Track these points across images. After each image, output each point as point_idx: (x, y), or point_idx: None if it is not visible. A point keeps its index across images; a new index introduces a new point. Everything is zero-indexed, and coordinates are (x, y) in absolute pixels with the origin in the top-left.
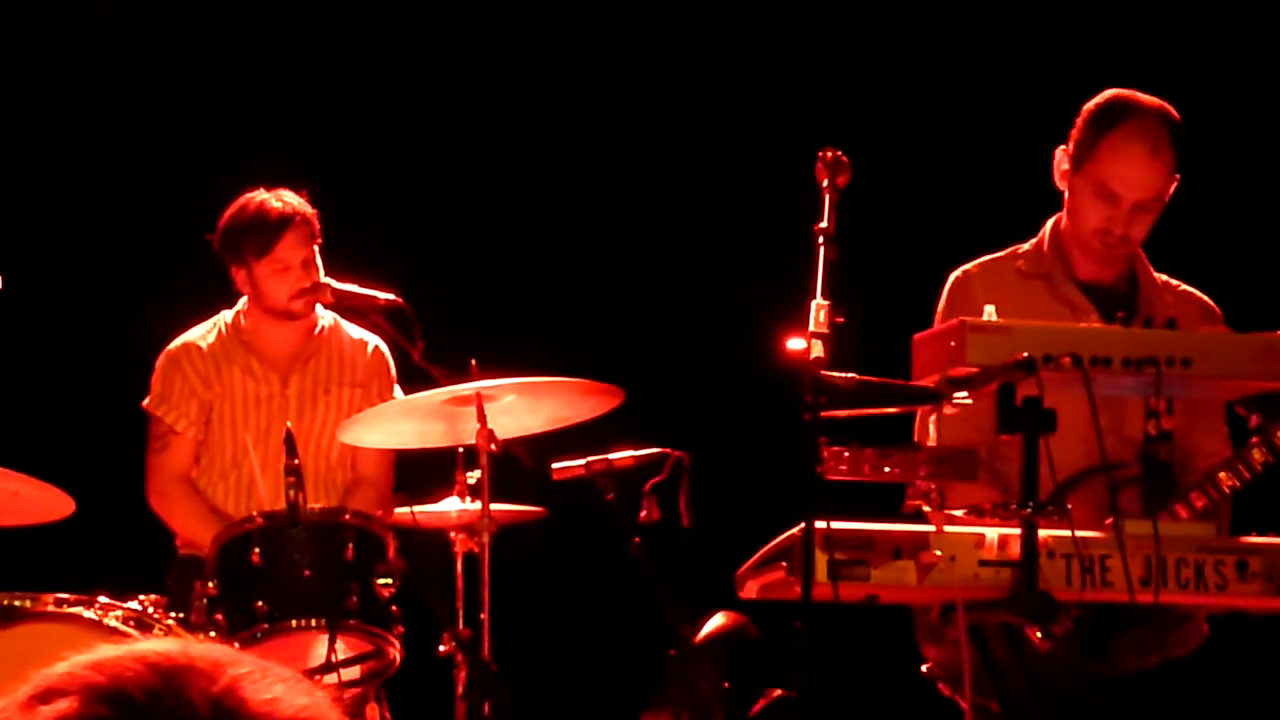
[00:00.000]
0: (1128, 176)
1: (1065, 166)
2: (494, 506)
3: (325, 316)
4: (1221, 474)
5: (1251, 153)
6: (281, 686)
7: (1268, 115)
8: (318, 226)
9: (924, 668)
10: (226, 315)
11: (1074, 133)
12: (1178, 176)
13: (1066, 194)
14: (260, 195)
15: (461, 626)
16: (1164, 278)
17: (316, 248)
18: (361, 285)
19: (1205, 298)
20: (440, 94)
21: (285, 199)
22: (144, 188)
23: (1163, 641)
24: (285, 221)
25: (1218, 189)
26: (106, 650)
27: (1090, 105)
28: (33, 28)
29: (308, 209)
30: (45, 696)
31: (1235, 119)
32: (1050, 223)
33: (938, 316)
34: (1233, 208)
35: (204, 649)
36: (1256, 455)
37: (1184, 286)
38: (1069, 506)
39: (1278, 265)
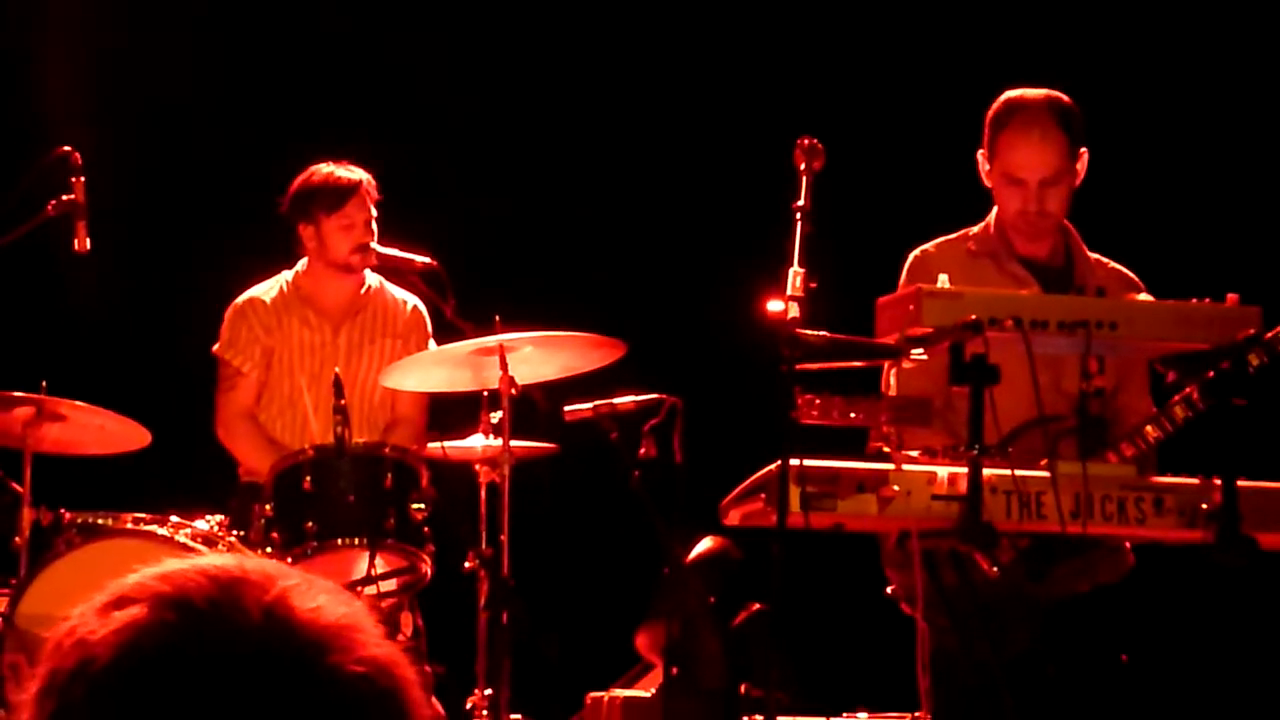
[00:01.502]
0: (1025, 162)
1: (986, 167)
2: (513, 443)
3: (371, 277)
4: (1148, 427)
5: (1179, 146)
6: (325, 597)
7: (1188, 109)
8: (377, 196)
9: (888, 589)
10: (287, 275)
11: (984, 134)
12: (1084, 152)
13: (992, 188)
14: (330, 166)
15: (484, 547)
16: (1096, 256)
17: (374, 213)
18: (403, 251)
19: (1129, 272)
20: (466, 88)
21: (353, 169)
22: (218, 170)
23: (1094, 569)
24: (355, 185)
25: (1147, 180)
26: (172, 563)
27: (990, 110)
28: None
29: (371, 180)
30: (119, 603)
31: (1160, 113)
32: (994, 209)
33: (900, 288)
34: (1158, 194)
35: (258, 564)
36: (1179, 411)
37: (1113, 264)
38: (1011, 451)
39: (1194, 243)
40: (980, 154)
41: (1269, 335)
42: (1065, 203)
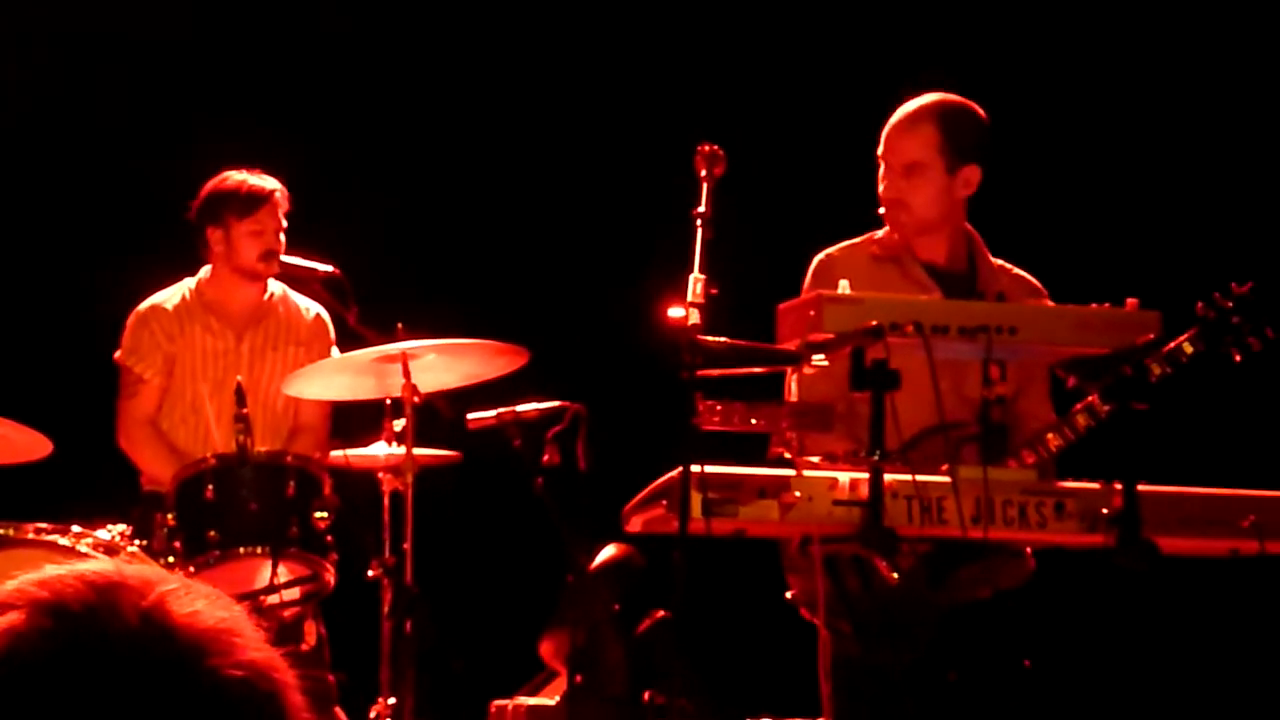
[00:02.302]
0: (889, 146)
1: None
2: (417, 451)
3: (275, 285)
4: (1049, 434)
5: (1080, 152)
6: (204, 601)
7: (1089, 115)
8: (288, 206)
9: (788, 594)
10: (190, 281)
11: None
12: (972, 168)
13: None
14: (244, 173)
15: (388, 555)
16: (1000, 261)
17: (284, 222)
18: (306, 259)
19: (1032, 278)
20: (368, 95)
21: (266, 177)
22: (119, 173)
23: (995, 575)
24: (269, 194)
25: (1048, 185)
26: (50, 569)
27: None
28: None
29: (283, 189)
30: None
31: (1063, 119)
32: None
33: (804, 291)
34: (1059, 200)
35: (137, 569)
36: (1080, 420)
37: (1016, 270)
38: (913, 456)
39: (1094, 249)
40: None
41: (1170, 346)
42: (932, 205)
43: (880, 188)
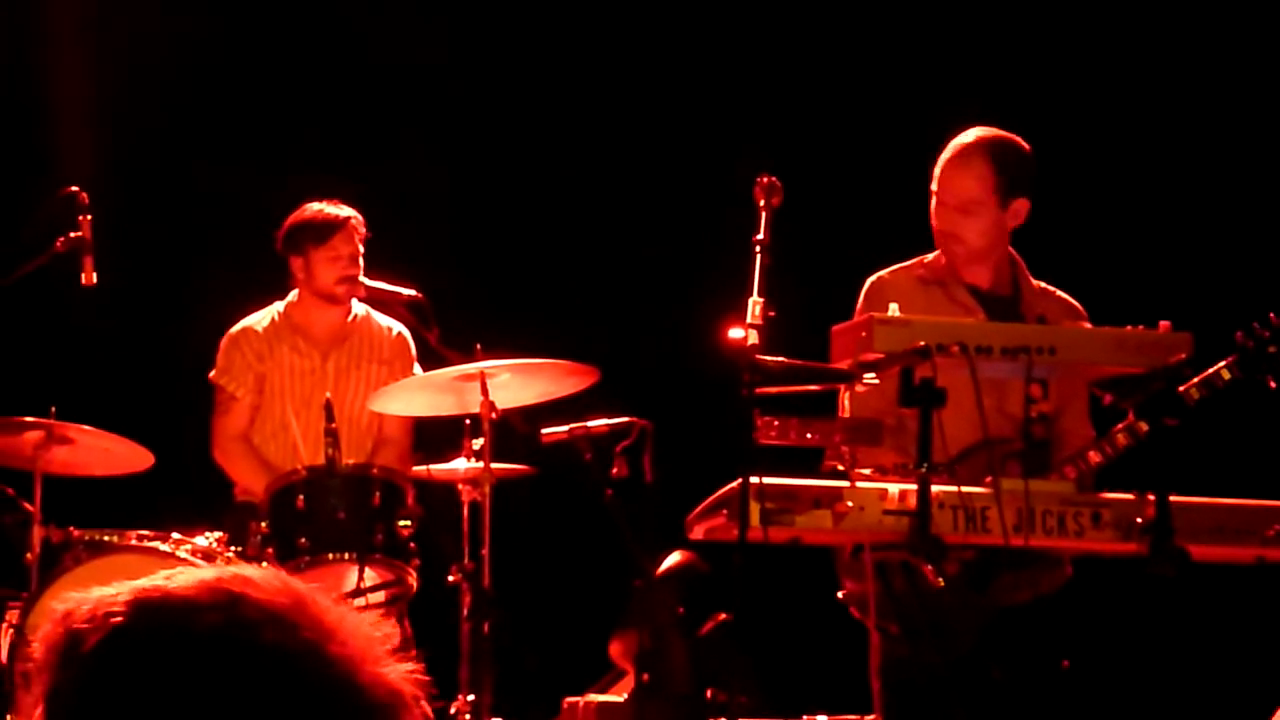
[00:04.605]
0: (946, 184)
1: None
2: (494, 464)
3: (359, 307)
4: (1091, 452)
5: (1118, 184)
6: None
7: (1127, 145)
8: (364, 233)
9: (840, 594)
10: (279, 305)
11: None
12: (1023, 201)
13: None
14: (320, 204)
15: (467, 561)
16: (1042, 285)
17: (361, 248)
18: (390, 283)
19: (1072, 300)
20: (450, 128)
21: (341, 206)
22: (215, 207)
23: (1035, 581)
24: (342, 221)
25: (1093, 212)
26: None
27: None
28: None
29: (359, 217)
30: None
31: (1100, 150)
32: None
33: (857, 312)
34: (1103, 226)
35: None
36: (1121, 439)
37: (1058, 293)
38: (959, 470)
39: (1130, 273)
40: None
41: (1208, 372)
42: (984, 237)
43: (934, 220)
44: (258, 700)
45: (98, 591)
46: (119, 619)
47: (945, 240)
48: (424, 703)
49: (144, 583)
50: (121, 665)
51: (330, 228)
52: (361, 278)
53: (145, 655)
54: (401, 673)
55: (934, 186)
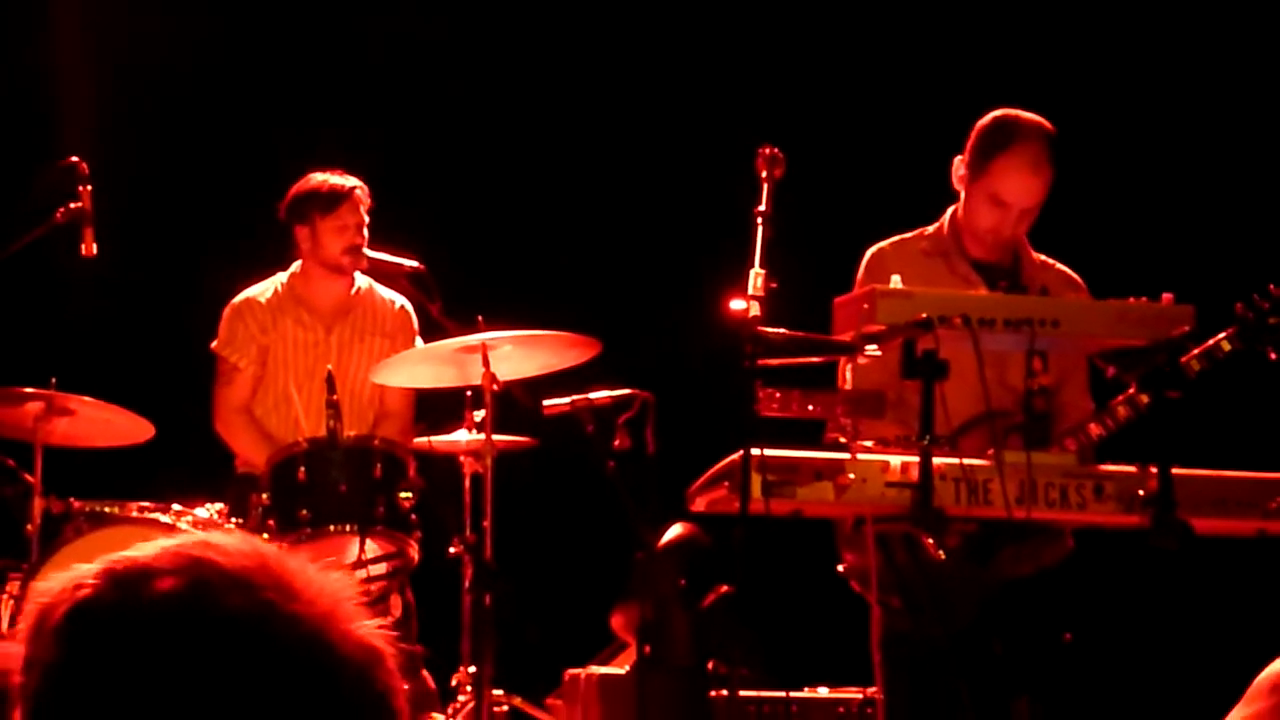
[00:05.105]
0: (1016, 189)
1: (962, 173)
2: (495, 436)
3: (361, 279)
4: (1091, 424)
5: (1125, 157)
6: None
7: (1145, 125)
8: (369, 203)
9: (840, 567)
10: (282, 276)
11: (969, 146)
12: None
13: (963, 195)
14: (325, 173)
15: (468, 533)
16: (1042, 257)
17: (366, 218)
18: (392, 255)
19: (1072, 273)
20: (448, 102)
21: (347, 176)
22: (215, 177)
23: (1037, 553)
24: (349, 191)
25: (1094, 186)
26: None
27: (982, 125)
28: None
29: (364, 187)
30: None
31: (1114, 126)
32: (950, 211)
33: (857, 283)
34: (1104, 199)
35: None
36: (1121, 411)
37: (1058, 265)
38: (961, 443)
39: (1133, 247)
40: (959, 159)
41: (1209, 344)
42: (1031, 224)
43: (983, 218)
44: (223, 661)
45: (80, 568)
46: (85, 591)
47: (995, 239)
48: (425, 673)
49: (115, 555)
50: (83, 635)
51: (337, 197)
52: (364, 249)
53: (106, 624)
54: (373, 629)
55: (994, 187)
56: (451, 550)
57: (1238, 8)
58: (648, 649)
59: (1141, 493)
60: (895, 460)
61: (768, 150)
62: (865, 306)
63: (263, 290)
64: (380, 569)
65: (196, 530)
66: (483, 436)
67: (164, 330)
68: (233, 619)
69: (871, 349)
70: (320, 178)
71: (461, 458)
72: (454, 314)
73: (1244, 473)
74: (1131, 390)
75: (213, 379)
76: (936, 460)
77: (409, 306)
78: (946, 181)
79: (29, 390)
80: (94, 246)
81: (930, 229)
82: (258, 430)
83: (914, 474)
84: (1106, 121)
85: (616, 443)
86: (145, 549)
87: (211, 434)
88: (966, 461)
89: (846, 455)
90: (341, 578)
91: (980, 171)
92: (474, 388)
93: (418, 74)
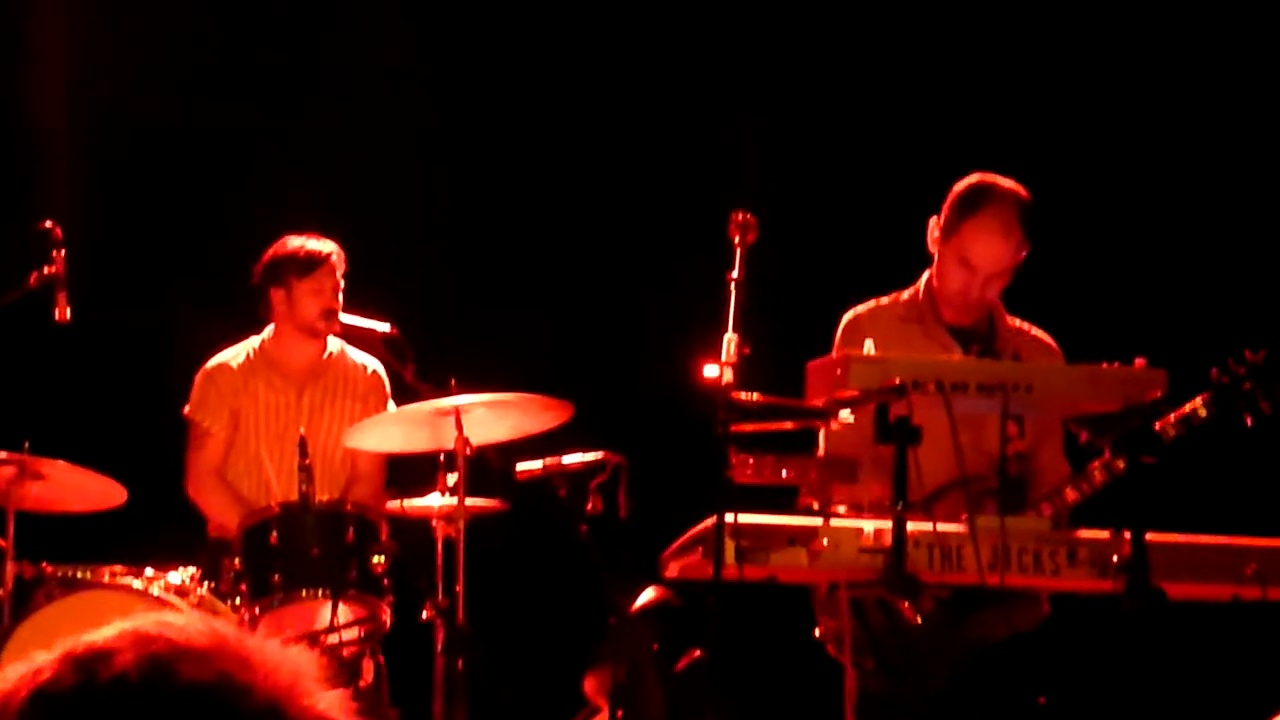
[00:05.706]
0: (984, 253)
1: (936, 234)
2: (468, 500)
3: (333, 343)
4: (1067, 489)
5: (1095, 222)
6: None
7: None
8: (345, 267)
9: (816, 632)
10: (254, 340)
11: (944, 208)
12: (1028, 245)
13: (936, 257)
14: (303, 237)
15: (441, 597)
16: (1018, 322)
17: (342, 282)
18: (365, 319)
19: (1048, 337)
20: (421, 167)
21: (324, 240)
22: (189, 244)
23: (1011, 618)
24: (326, 255)
25: (1066, 251)
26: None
27: (957, 187)
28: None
29: (340, 251)
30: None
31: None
32: (925, 275)
33: (835, 349)
34: (1079, 264)
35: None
36: (1097, 476)
37: (1033, 330)
38: (935, 508)
39: (1107, 311)
40: (934, 220)
41: (1185, 410)
42: (1000, 292)
43: (954, 281)
44: None
45: (38, 655)
46: (45, 675)
47: (964, 302)
48: None
49: (72, 640)
50: (46, 718)
51: (314, 261)
52: (339, 313)
53: (68, 706)
54: (336, 704)
55: (964, 250)
56: (424, 614)
57: (1206, 73)
58: (620, 713)
59: (1115, 558)
60: (869, 526)
61: (740, 216)
62: (838, 372)
63: (235, 354)
64: (353, 633)
65: (169, 595)
66: (455, 500)
67: (137, 394)
68: (190, 691)
69: (845, 415)
70: (297, 242)
71: (434, 521)
72: (427, 377)
73: (1218, 537)
74: (1108, 455)
75: (185, 443)
76: (910, 526)
77: (381, 370)
78: (922, 245)
79: (1, 454)
80: (67, 312)
81: (906, 294)
82: (230, 494)
83: (887, 540)
84: (1083, 186)
85: (589, 506)
86: (102, 632)
87: (184, 498)
88: (940, 527)
89: (820, 521)
90: (303, 652)
91: (951, 233)
92: (446, 451)
93: (390, 139)
